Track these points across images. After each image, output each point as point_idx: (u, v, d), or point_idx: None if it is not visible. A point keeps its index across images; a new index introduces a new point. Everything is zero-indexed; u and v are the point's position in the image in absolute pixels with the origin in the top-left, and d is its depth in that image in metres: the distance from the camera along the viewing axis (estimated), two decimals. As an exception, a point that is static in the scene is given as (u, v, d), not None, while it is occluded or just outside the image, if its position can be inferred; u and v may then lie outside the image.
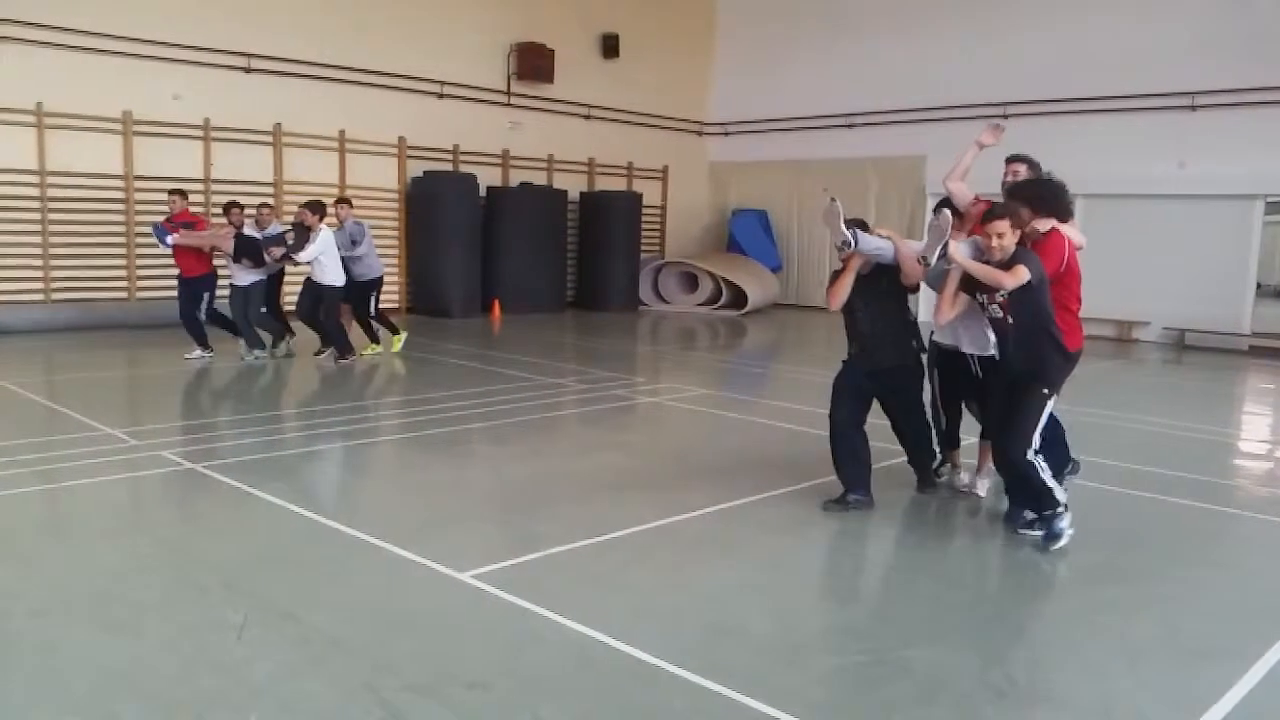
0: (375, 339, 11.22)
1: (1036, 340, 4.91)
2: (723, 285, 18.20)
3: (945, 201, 5.66)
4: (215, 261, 10.50)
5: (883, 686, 3.44)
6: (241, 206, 10.60)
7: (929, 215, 6.09)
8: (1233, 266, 14.47)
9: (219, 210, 10.84)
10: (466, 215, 16.01)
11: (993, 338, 5.28)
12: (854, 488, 5.48)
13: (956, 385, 5.77)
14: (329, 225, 10.39)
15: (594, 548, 4.78)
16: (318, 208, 10.23)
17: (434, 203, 15.81)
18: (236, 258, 10.25)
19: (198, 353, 10.32)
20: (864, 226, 5.41)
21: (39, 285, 12.79)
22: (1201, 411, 9.65)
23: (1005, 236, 4.80)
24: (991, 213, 4.92)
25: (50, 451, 6.38)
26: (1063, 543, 4.86)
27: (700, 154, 21.08)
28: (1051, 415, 5.11)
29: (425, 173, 16.09)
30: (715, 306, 18.27)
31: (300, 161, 14.88)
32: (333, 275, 10.29)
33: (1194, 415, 9.11)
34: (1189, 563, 4.95)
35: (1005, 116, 16.38)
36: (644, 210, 19.00)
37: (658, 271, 19.18)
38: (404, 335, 11.69)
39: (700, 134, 21.01)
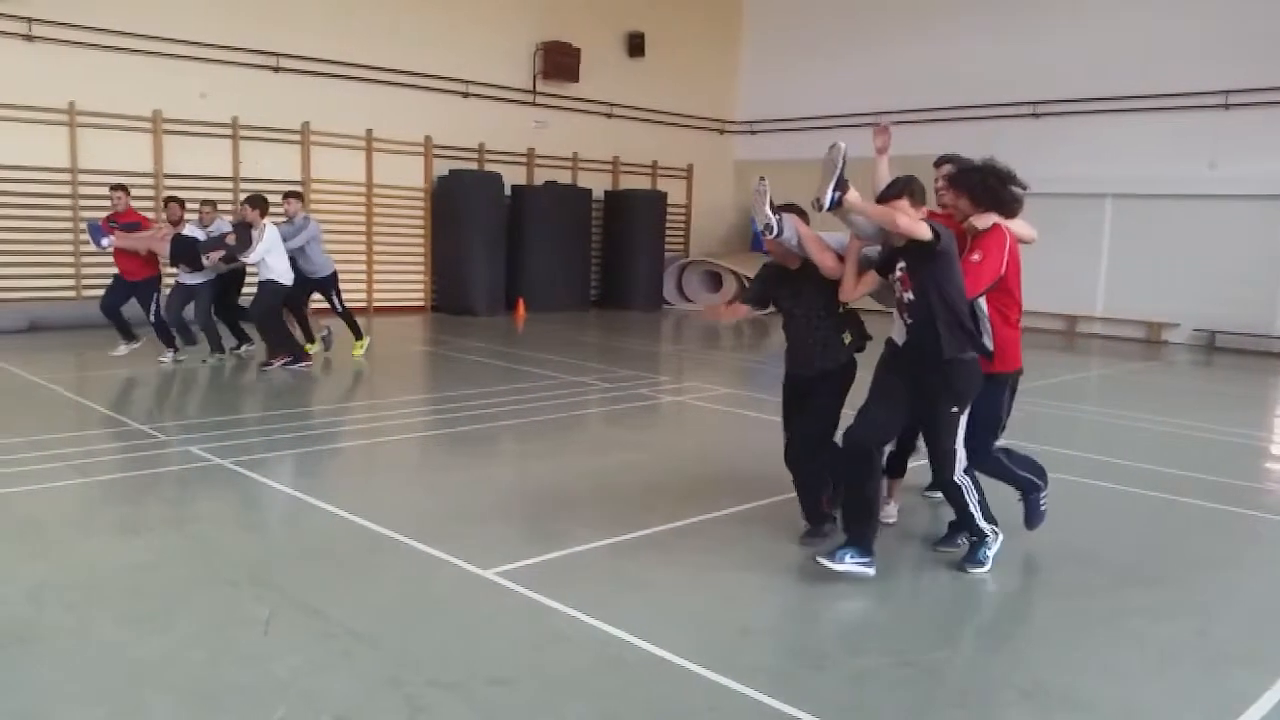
0: (311, 339, 10.45)
1: (937, 333, 4.19)
2: (747, 284, 18.10)
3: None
4: (162, 266, 9.93)
5: (907, 688, 3.42)
6: (181, 202, 10.08)
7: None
8: (1264, 268, 14.27)
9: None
10: (491, 214, 16.08)
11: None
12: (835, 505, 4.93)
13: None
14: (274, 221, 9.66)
15: (618, 546, 4.78)
16: (259, 203, 9.50)
17: (459, 201, 15.87)
18: (173, 261, 9.62)
19: (170, 355, 9.84)
20: (800, 212, 4.70)
21: (71, 282, 12.96)
22: (1232, 414, 9.52)
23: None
24: (888, 191, 4.29)
25: (80, 446, 6.46)
26: (982, 571, 4.50)
27: (725, 153, 21.04)
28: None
29: (451, 171, 16.16)
30: (739, 306, 18.20)
31: (327, 160, 15.01)
32: (278, 272, 9.51)
33: (1224, 418, 8.99)
34: (1219, 566, 4.89)
35: (1035, 116, 16.30)
36: (668, 209, 19.01)
37: (682, 270, 19.17)
38: (368, 340, 10.84)
39: (725, 133, 20.98)
